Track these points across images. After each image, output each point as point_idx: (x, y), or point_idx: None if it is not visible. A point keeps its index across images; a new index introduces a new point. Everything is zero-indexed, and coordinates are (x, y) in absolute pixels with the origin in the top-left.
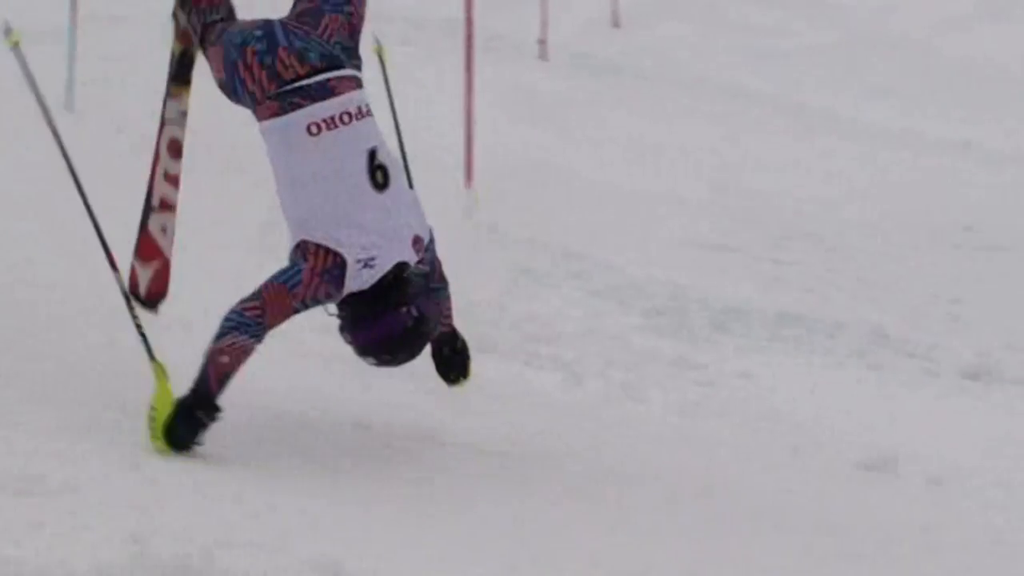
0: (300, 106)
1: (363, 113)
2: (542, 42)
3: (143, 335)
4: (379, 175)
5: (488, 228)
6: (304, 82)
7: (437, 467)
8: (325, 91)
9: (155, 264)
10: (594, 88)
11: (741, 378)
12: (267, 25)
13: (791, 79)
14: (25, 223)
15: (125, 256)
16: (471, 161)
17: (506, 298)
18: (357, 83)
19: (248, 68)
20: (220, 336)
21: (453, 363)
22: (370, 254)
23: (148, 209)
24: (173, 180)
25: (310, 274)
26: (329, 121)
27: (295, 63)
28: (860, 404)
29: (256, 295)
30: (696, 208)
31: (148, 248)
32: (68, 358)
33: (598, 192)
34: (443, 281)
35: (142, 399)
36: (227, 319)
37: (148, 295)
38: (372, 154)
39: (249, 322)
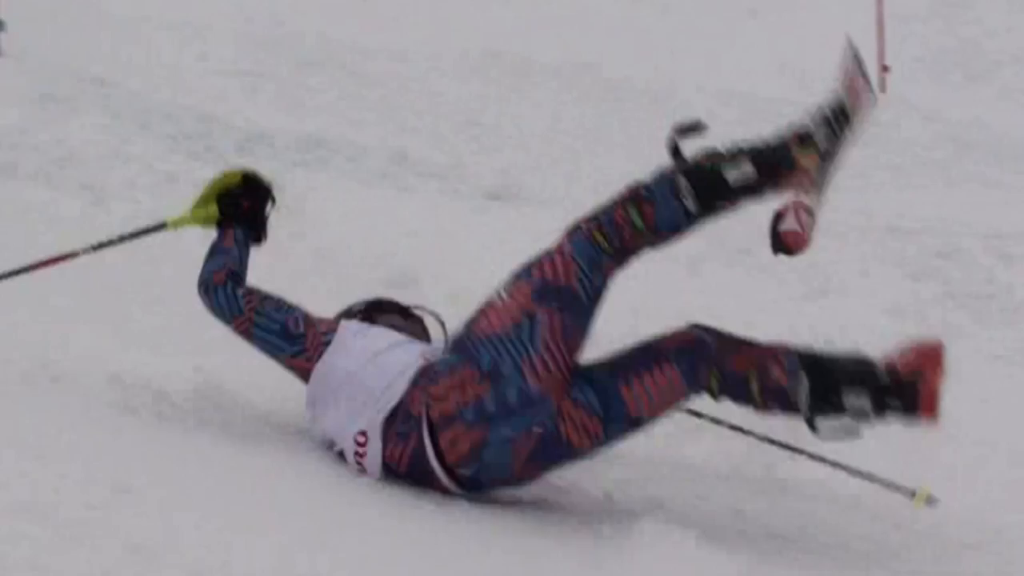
0: None
1: None
2: None
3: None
4: None
5: (13, 54)
6: None
7: None
8: None
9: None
10: None
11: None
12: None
13: None
14: None
15: None
16: None
17: (30, 123)
18: None
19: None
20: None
21: None
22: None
23: None
24: None
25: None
26: None
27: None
28: (384, 224)
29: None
30: (222, 35)
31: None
32: None
33: (124, 21)
34: None
35: None
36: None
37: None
38: None
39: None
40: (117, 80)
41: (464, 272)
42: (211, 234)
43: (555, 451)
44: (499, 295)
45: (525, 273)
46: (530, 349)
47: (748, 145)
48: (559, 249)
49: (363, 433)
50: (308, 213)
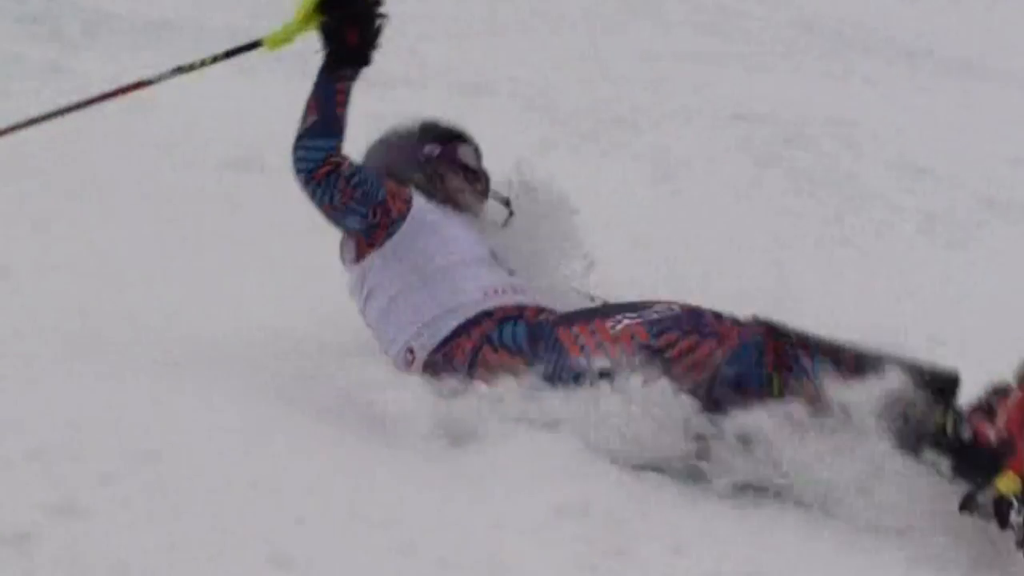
0: None
1: None
2: None
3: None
4: None
5: None
6: None
7: None
8: None
9: None
10: None
11: (109, 82)
12: None
13: None
14: None
15: None
16: None
17: None
18: None
19: None
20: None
21: None
22: None
23: None
24: None
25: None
26: None
27: None
28: (230, 106)
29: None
30: None
31: None
32: None
33: None
34: None
35: None
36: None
37: None
38: None
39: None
40: None
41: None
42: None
43: None
44: (617, 320)
45: (660, 331)
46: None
47: (965, 445)
48: (721, 338)
49: (411, 351)
50: (155, 94)
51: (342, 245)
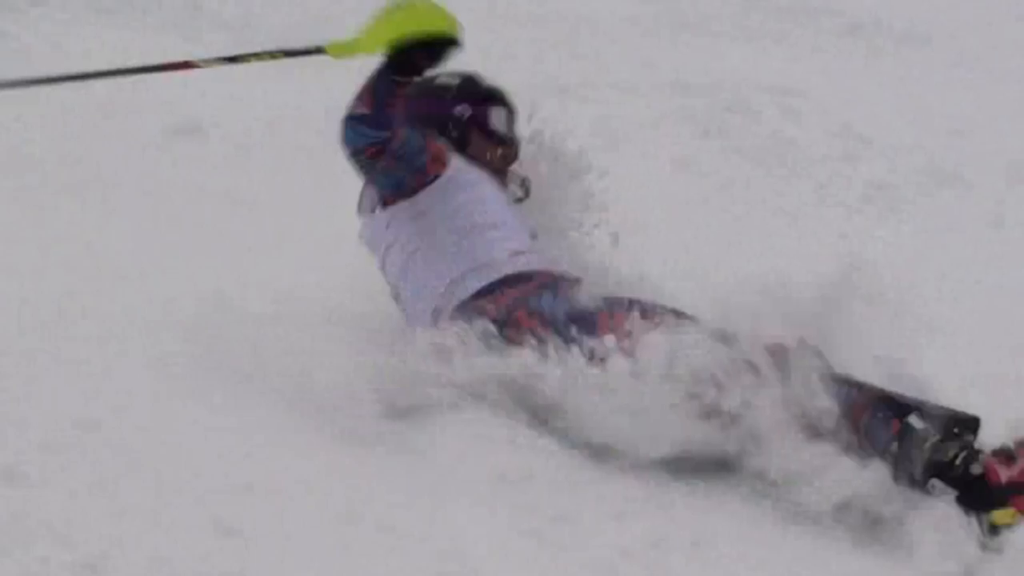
0: None
1: None
2: None
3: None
4: None
5: None
6: None
7: None
8: None
9: None
10: None
11: (54, 49)
12: None
13: None
14: None
15: None
16: None
17: None
18: None
19: None
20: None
21: None
22: None
23: None
24: None
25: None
26: None
27: None
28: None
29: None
30: None
31: None
32: None
33: None
34: None
35: None
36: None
37: None
38: None
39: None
40: None
41: (248, 123)
42: None
43: None
44: (658, 320)
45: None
46: None
47: (973, 478)
48: (760, 375)
49: (436, 308)
50: (95, 60)
51: (362, 193)
